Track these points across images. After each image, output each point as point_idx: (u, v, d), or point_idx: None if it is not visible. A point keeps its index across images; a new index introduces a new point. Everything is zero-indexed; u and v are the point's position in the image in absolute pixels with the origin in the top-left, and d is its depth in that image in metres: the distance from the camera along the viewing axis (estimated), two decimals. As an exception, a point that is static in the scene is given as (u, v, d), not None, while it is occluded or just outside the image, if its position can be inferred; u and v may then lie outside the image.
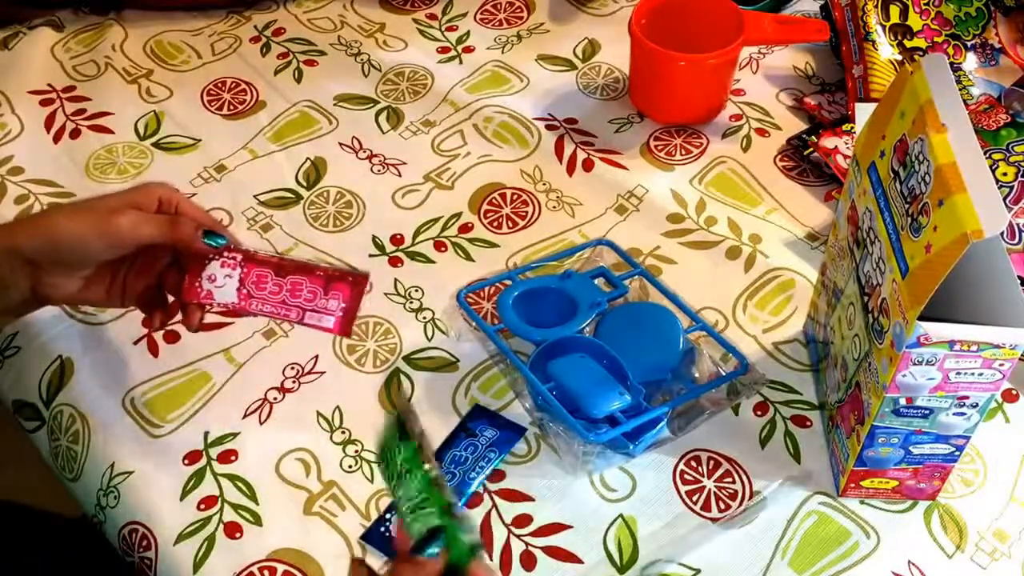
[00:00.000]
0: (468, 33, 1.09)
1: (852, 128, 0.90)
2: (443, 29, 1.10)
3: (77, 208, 0.66)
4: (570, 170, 0.93)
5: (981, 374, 0.57)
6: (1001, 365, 0.57)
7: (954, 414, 0.60)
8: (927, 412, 0.60)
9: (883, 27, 0.94)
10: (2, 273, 0.66)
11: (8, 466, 0.98)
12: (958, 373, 0.57)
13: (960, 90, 0.94)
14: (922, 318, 0.54)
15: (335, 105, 1.01)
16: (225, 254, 0.71)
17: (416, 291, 0.84)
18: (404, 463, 0.58)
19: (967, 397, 0.59)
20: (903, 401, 0.60)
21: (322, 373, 0.79)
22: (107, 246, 0.65)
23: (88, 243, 0.65)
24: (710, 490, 0.71)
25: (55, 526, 0.90)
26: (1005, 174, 0.80)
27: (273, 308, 0.71)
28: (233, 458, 0.73)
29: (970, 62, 0.95)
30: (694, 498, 0.71)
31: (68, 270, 0.67)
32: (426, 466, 0.56)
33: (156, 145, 0.97)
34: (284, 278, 0.71)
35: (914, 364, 0.57)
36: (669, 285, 0.81)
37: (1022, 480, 0.71)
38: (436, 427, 0.74)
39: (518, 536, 0.69)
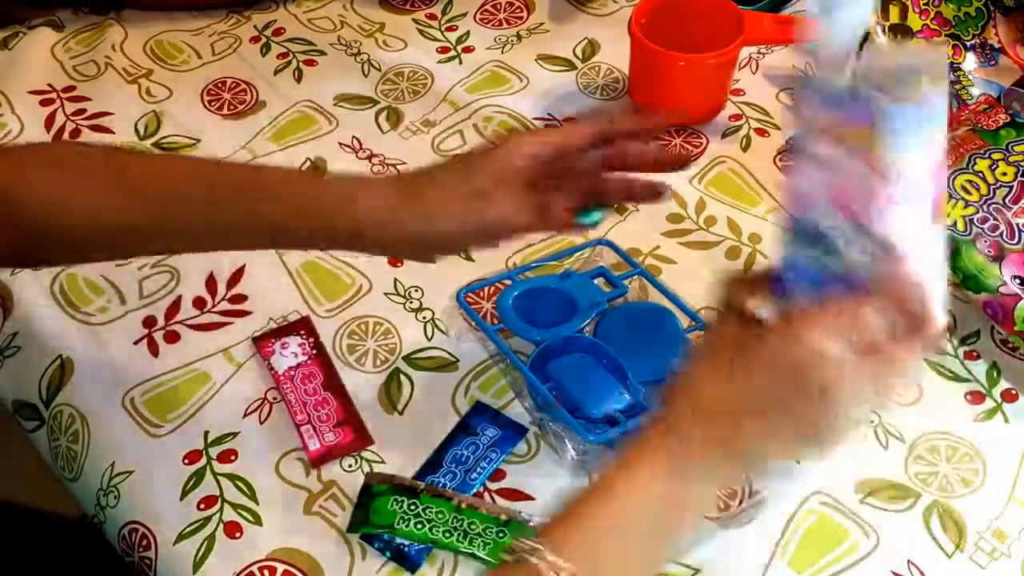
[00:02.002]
0: (468, 33, 1.09)
1: (852, 128, 0.90)
2: (443, 29, 1.10)
3: (446, 209, 0.61)
4: (570, 170, 0.93)
5: None
6: None
7: None
8: None
9: (883, 27, 0.94)
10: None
11: (8, 466, 0.98)
12: None
13: (960, 90, 0.94)
14: None
15: (335, 105, 1.01)
16: (307, 339, 0.79)
17: (416, 291, 0.84)
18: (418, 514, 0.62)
19: None
20: None
21: (322, 373, 0.79)
22: (478, 242, 0.64)
23: (456, 244, 0.65)
24: (710, 490, 0.71)
25: (55, 526, 0.90)
26: (1005, 174, 0.80)
27: (296, 400, 0.75)
28: (233, 458, 0.74)
29: (970, 62, 0.95)
30: (694, 498, 0.70)
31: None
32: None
33: (156, 145, 0.97)
34: (323, 391, 0.76)
35: None
36: (669, 285, 0.81)
37: (1022, 480, 0.71)
38: (436, 427, 0.74)
39: (518, 536, 0.69)
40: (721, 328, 0.53)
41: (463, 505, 0.67)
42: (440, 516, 0.67)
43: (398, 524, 0.66)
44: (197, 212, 0.63)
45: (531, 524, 0.67)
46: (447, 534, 0.66)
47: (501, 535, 0.66)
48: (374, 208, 0.61)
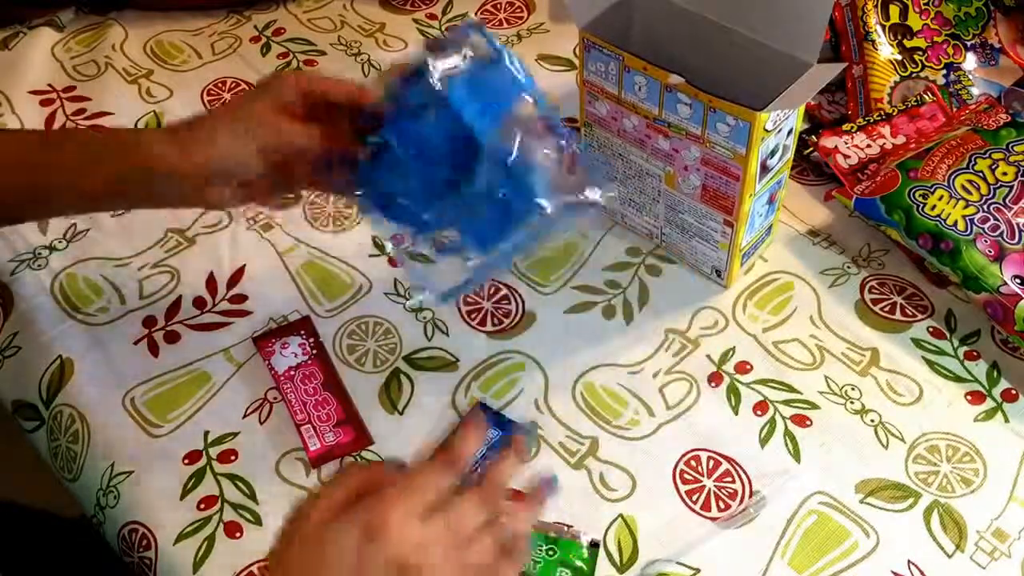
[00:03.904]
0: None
1: (852, 127, 0.90)
2: (443, 29, 1.10)
3: (234, 125, 0.65)
4: (570, 170, 0.93)
5: None
6: None
7: None
8: None
9: (883, 27, 0.94)
10: (154, 185, 0.66)
11: (8, 466, 0.98)
12: None
13: (960, 90, 0.94)
14: None
15: (335, 105, 1.01)
16: (308, 339, 0.79)
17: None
18: None
19: None
20: None
21: (322, 373, 0.79)
22: (269, 163, 0.65)
23: (250, 164, 0.65)
24: (710, 490, 0.71)
25: (55, 526, 0.90)
26: (1005, 174, 0.80)
27: (296, 400, 0.75)
28: (233, 458, 0.73)
29: (970, 62, 0.95)
30: (694, 498, 0.71)
31: (227, 182, 0.66)
32: None
33: (156, 145, 0.97)
34: (323, 391, 0.76)
35: None
36: (669, 285, 0.81)
37: (1022, 480, 0.71)
38: (436, 427, 0.74)
39: (518, 536, 0.69)
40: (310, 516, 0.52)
41: None
42: None
43: None
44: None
45: (580, 540, 0.67)
46: None
47: (551, 552, 0.66)
48: (159, 141, 0.65)
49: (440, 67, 0.61)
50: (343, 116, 0.66)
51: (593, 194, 0.61)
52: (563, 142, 0.61)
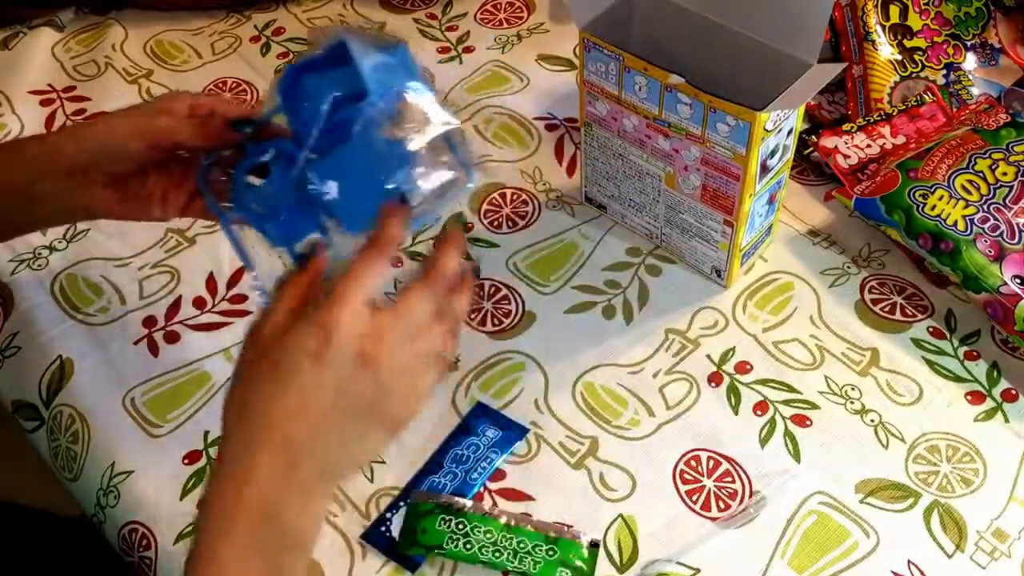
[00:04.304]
0: (468, 33, 1.09)
1: (852, 127, 0.90)
2: (443, 29, 1.10)
3: (112, 114, 0.67)
4: (570, 170, 0.93)
5: None
6: None
7: None
8: None
9: (883, 27, 0.94)
10: (35, 186, 0.66)
11: (8, 466, 0.98)
12: None
13: (960, 90, 0.94)
14: None
15: (335, 105, 1.01)
16: None
17: (416, 291, 0.84)
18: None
19: None
20: None
21: (322, 373, 0.78)
22: (146, 147, 0.65)
23: (127, 145, 0.65)
24: (710, 490, 0.71)
25: (55, 526, 0.90)
26: (1005, 174, 0.80)
27: None
28: (233, 458, 0.73)
29: (970, 62, 0.95)
30: (694, 498, 0.71)
31: (107, 177, 0.67)
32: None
33: (156, 145, 0.97)
34: None
35: None
36: (669, 285, 0.81)
37: (1022, 480, 0.71)
38: (436, 427, 0.74)
39: (518, 536, 0.69)
40: (261, 341, 0.52)
41: (511, 523, 0.68)
42: (488, 536, 0.67)
43: (447, 544, 0.66)
44: None
45: (580, 540, 0.67)
46: (496, 553, 0.66)
47: (551, 553, 0.66)
48: (42, 136, 0.67)
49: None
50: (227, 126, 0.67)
51: (461, 175, 0.60)
52: (445, 125, 0.59)
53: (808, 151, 0.91)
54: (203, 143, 0.66)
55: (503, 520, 0.68)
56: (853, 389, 0.76)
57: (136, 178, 0.68)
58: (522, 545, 0.66)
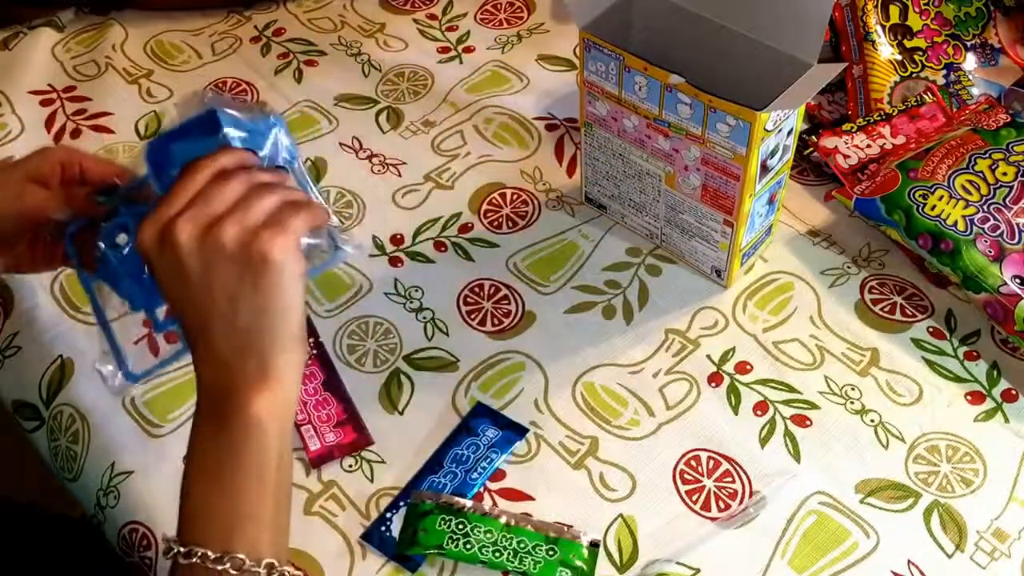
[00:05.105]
0: (468, 33, 1.09)
1: (852, 128, 0.90)
2: (443, 29, 1.10)
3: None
4: (570, 170, 0.93)
5: None
6: None
7: None
8: None
9: (883, 27, 0.94)
10: None
11: (8, 466, 0.98)
12: None
13: (960, 90, 0.94)
14: None
15: (335, 105, 1.01)
16: (308, 339, 0.68)
17: (416, 291, 0.84)
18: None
19: None
20: None
21: (322, 373, 0.79)
22: (17, 220, 0.66)
23: (2, 225, 0.65)
24: (710, 490, 0.71)
25: (55, 526, 0.90)
26: (1005, 174, 0.80)
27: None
28: (233, 458, 0.73)
29: (970, 62, 0.95)
30: (694, 498, 0.71)
31: None
32: None
33: (156, 145, 0.97)
34: (323, 391, 0.76)
35: None
36: (669, 285, 0.80)
37: (1022, 480, 0.71)
38: (436, 427, 0.74)
39: (518, 536, 0.69)
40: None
41: (511, 523, 0.68)
42: (488, 536, 0.67)
43: (447, 544, 0.66)
44: None
45: (580, 540, 0.67)
46: (496, 553, 0.66)
47: (551, 553, 0.66)
48: None
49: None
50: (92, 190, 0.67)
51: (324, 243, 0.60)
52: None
53: (808, 151, 0.91)
54: (72, 213, 0.66)
55: (503, 520, 0.68)
56: (853, 389, 0.76)
57: (20, 239, 0.67)
58: (522, 545, 0.66)
